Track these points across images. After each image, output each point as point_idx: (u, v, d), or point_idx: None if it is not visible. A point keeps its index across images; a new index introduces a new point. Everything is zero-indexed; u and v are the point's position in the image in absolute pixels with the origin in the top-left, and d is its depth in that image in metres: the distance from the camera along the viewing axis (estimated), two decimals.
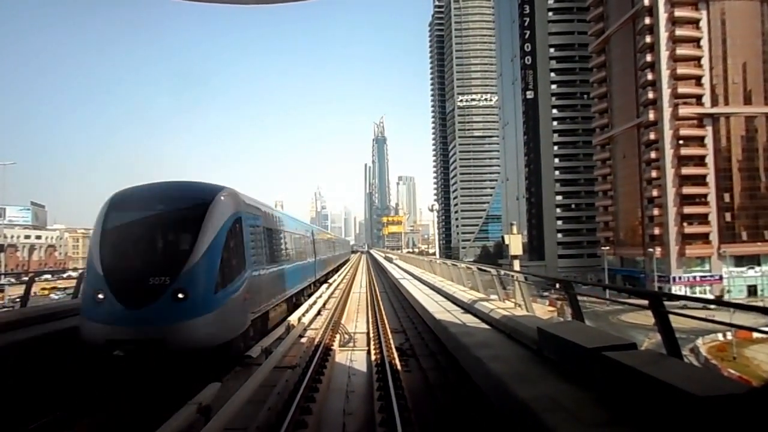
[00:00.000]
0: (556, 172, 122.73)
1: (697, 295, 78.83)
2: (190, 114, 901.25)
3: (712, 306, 57.37)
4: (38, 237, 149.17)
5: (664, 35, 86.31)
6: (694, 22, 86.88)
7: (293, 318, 16.34)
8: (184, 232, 9.81)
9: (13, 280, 54.81)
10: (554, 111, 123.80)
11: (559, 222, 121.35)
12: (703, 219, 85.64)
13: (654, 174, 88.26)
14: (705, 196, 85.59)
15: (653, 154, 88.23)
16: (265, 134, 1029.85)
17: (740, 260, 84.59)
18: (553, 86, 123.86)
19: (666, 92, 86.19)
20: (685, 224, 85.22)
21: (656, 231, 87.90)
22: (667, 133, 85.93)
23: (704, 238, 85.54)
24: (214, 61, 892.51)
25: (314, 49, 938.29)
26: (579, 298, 8.68)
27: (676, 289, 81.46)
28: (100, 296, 8.92)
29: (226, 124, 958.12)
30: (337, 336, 15.51)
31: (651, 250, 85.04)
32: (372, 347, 13.61)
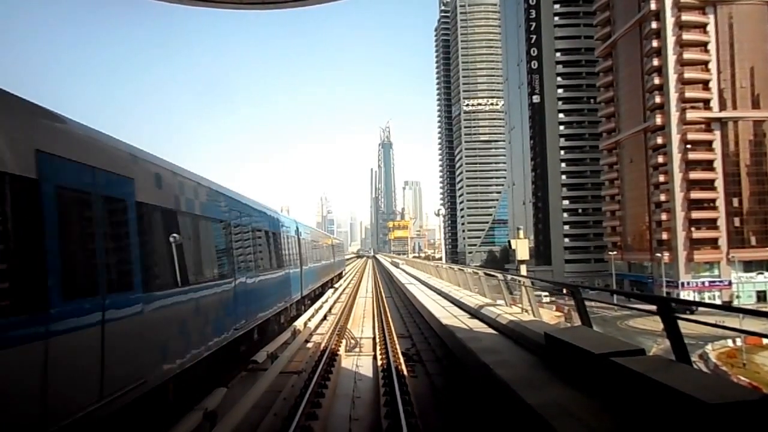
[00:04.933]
0: (563, 177, 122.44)
1: (706, 300, 78.22)
2: (197, 118, 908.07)
3: (722, 311, 56.92)
4: None
5: (671, 39, 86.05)
6: (702, 26, 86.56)
7: (299, 323, 16.37)
8: None
9: None
10: (561, 115, 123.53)
11: (566, 227, 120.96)
12: (711, 224, 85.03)
13: (662, 178, 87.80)
14: (713, 200, 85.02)
15: (661, 159, 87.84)
16: (272, 138, 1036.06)
17: (749, 265, 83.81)
18: (560, 90, 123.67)
19: (673, 96, 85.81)
20: (693, 229, 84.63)
21: (664, 236, 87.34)
22: (675, 138, 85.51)
23: (713, 243, 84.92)
24: (220, 66, 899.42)
25: (320, 54, 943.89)
26: (587, 303, 8.63)
27: (685, 295, 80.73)
28: None
29: (232, 128, 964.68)
30: (343, 341, 15.49)
31: (659, 254, 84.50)
32: (378, 352, 13.57)
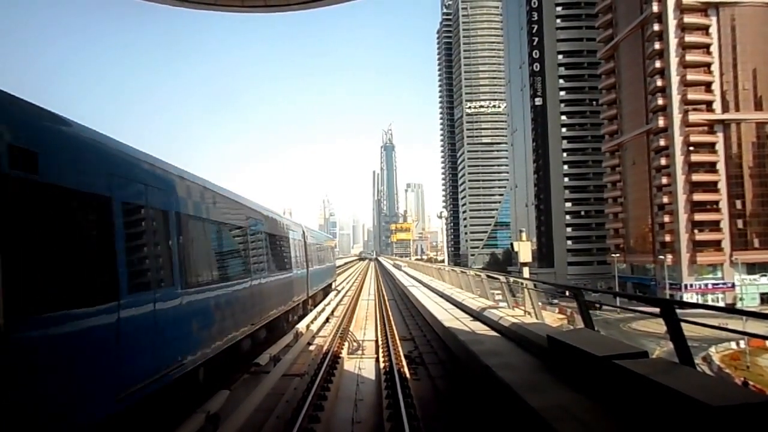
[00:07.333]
0: (566, 179, 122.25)
1: (710, 303, 78.01)
2: (201, 119, 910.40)
3: (725, 314, 56.74)
4: None
5: (673, 41, 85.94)
6: (704, 29, 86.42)
7: (301, 325, 16.36)
8: None
9: None
10: (563, 117, 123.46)
11: (569, 229, 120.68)
12: (714, 226, 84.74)
13: (664, 181, 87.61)
14: (716, 202, 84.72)
15: (663, 161, 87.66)
16: (274, 140, 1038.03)
17: (752, 268, 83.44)
18: (562, 93, 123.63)
19: (676, 98, 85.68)
20: (696, 231, 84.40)
21: (667, 238, 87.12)
22: (678, 140, 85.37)
23: (716, 245, 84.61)
24: (224, 69, 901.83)
25: (323, 57, 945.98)
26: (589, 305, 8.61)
27: (688, 297, 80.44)
28: None
29: (236, 130, 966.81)
30: (346, 344, 15.48)
31: (662, 257, 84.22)
32: (381, 355, 13.56)
